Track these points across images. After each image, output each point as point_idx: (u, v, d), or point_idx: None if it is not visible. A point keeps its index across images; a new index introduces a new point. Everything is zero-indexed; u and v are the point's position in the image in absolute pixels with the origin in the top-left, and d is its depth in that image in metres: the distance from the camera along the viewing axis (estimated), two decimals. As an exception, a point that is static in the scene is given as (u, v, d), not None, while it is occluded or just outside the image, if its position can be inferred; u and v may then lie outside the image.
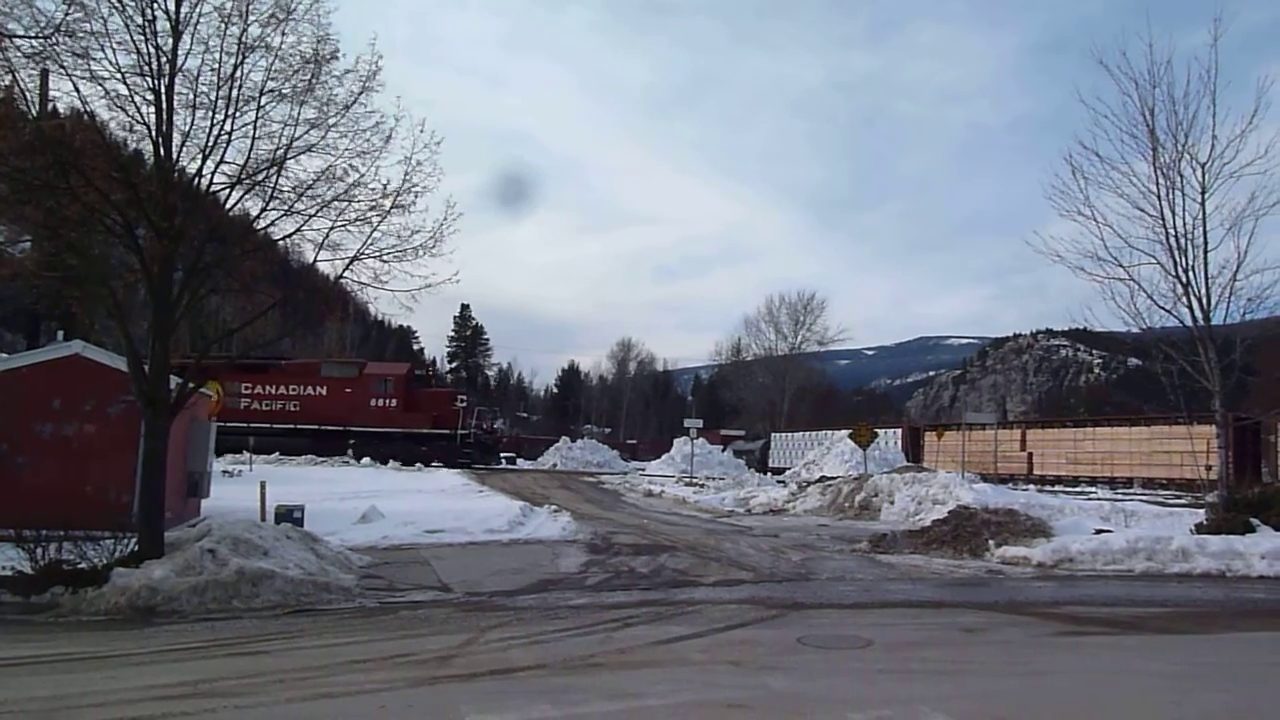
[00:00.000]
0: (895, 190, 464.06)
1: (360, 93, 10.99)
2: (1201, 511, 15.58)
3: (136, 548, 10.26)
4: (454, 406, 39.67)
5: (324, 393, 39.46)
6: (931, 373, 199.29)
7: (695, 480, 31.43)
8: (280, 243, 12.37)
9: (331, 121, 10.99)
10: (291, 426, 38.18)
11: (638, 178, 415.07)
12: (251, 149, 10.88)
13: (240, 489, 18.15)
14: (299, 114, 10.88)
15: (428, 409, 39.53)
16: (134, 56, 10.21)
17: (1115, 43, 25.56)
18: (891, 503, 21.27)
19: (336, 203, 11.24)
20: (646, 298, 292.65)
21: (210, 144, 10.66)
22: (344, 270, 11.64)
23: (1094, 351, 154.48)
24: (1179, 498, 24.52)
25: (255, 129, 10.82)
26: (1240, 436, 24.53)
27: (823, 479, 27.46)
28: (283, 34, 10.65)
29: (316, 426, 38.16)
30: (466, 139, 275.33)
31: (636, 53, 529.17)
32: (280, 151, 10.90)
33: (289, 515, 13.35)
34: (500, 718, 5.53)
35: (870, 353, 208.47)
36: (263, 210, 11.29)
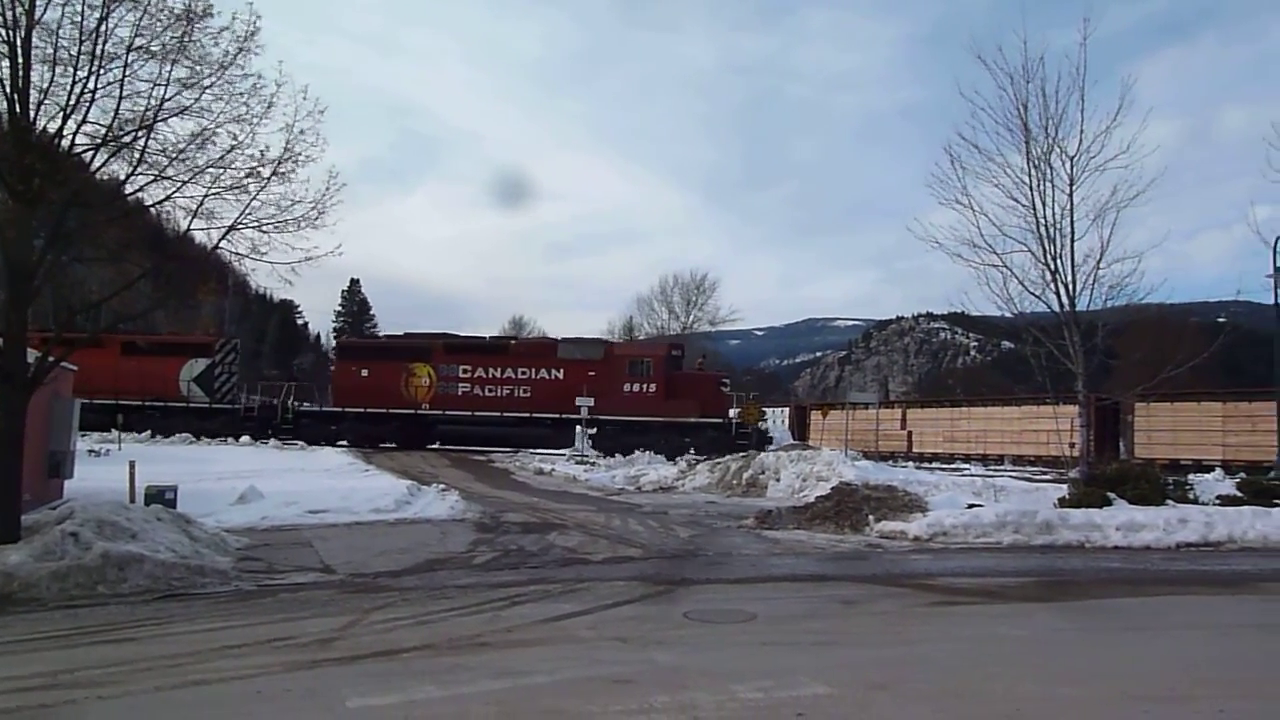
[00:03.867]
0: (787, 173, 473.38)
1: (237, 54, 10.53)
2: (1065, 487, 16.43)
3: (-11, 532, 9.66)
4: (721, 391, 34.44)
5: (561, 376, 34.05)
6: (819, 353, 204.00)
7: (586, 458, 31.41)
8: (150, 210, 11.75)
9: (206, 83, 10.51)
10: (526, 415, 34.08)
11: (531, 153, 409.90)
12: (117, 109, 10.29)
13: (109, 469, 17.24)
14: (169, 73, 10.36)
15: (693, 395, 33.56)
16: (-15, 5, 9.52)
17: (993, 38, 26.51)
18: (778, 480, 21.75)
19: (211, 169, 10.77)
20: (539, 275, 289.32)
21: (72, 102, 10.02)
22: (220, 240, 11.16)
23: (971, 335, 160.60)
24: (1045, 474, 25.76)
25: (121, 88, 10.23)
26: (1101, 416, 25.99)
27: (711, 456, 27.87)
28: (151, -14, 10.07)
29: (556, 415, 33.48)
30: (356, 108, 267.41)
31: (526, 25, 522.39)
32: (149, 112, 10.36)
33: (160, 496, 12.77)
34: (383, 700, 5.43)
35: (760, 333, 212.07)
36: (130, 175, 10.73)
